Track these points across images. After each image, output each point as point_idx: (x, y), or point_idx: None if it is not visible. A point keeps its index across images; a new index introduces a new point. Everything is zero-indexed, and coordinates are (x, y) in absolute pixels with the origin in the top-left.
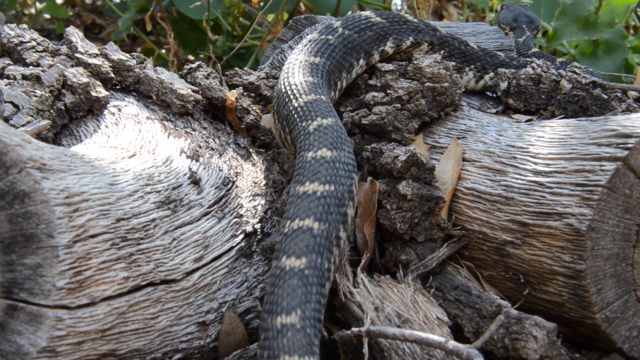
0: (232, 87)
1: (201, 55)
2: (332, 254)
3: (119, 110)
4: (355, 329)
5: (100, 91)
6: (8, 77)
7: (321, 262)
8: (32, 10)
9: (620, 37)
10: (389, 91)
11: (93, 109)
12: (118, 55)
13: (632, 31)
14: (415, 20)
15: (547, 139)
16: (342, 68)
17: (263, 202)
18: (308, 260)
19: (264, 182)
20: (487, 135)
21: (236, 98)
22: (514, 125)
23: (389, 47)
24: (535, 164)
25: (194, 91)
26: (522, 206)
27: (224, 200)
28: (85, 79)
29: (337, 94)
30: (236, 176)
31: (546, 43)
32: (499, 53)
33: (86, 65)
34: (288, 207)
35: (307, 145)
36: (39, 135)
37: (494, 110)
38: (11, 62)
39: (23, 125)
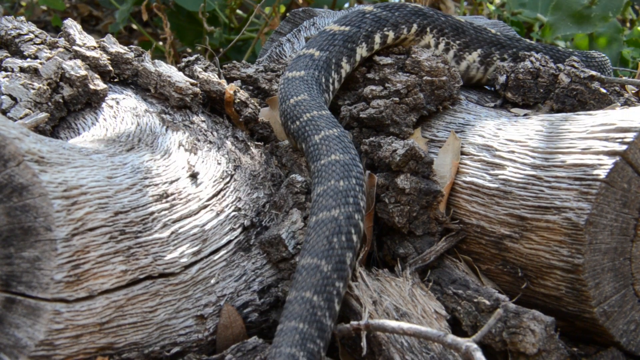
0: (230, 80)
1: (198, 48)
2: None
3: (117, 103)
4: (353, 323)
5: (98, 84)
6: (6, 70)
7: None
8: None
9: (615, 31)
10: (387, 85)
11: (91, 102)
12: (116, 47)
13: (628, 25)
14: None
15: (545, 132)
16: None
17: (261, 195)
18: None
19: (262, 175)
20: (486, 129)
21: (234, 91)
22: (512, 119)
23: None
24: (534, 157)
25: (192, 84)
26: (521, 200)
27: (222, 193)
28: (83, 72)
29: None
30: (234, 169)
31: (541, 37)
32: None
33: (84, 58)
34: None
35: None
36: (36, 128)
37: (492, 104)
38: (9, 55)
39: (21, 118)
